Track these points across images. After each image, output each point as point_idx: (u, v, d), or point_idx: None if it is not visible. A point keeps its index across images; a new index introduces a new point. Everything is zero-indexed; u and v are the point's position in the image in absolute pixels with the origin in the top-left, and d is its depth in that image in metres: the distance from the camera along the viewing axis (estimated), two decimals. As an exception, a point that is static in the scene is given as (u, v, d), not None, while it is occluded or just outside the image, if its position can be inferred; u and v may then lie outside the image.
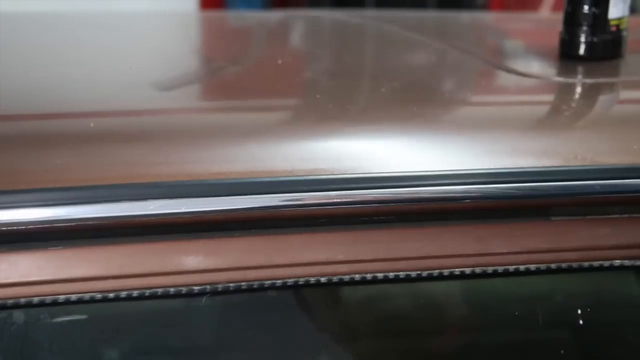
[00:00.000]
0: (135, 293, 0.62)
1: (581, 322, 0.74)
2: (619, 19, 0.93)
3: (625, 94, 0.90)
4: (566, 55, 0.95)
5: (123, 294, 0.61)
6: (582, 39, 0.93)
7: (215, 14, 2.30)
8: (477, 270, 0.67)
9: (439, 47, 1.14)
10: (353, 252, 0.65)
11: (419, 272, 0.66)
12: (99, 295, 0.61)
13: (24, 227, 0.59)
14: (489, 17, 2.25)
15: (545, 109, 0.82)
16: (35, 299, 0.61)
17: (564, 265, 0.68)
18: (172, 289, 0.62)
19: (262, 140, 0.66)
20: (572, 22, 0.93)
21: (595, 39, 0.92)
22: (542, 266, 0.68)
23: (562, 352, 0.76)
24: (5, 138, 0.64)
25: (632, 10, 0.95)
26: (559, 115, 0.79)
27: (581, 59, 0.94)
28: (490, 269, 0.67)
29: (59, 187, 0.59)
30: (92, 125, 0.67)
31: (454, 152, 0.67)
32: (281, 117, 0.79)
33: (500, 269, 0.67)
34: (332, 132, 0.70)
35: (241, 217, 0.61)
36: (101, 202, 0.59)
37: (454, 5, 3.46)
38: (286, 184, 0.62)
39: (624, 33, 0.94)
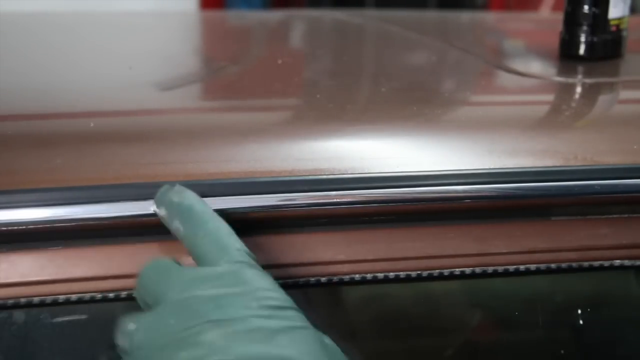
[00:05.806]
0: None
1: (581, 321, 0.74)
2: (619, 19, 0.93)
3: (625, 94, 0.90)
4: (566, 55, 0.95)
5: (123, 294, 0.61)
6: (582, 39, 0.93)
7: (215, 14, 2.30)
8: (477, 270, 0.67)
9: (439, 47, 1.14)
10: (354, 252, 0.65)
11: (419, 272, 0.66)
12: (99, 295, 0.61)
13: (24, 227, 0.59)
14: (489, 17, 2.25)
15: (545, 109, 0.82)
16: (36, 299, 0.61)
17: (564, 265, 0.68)
18: (172, 289, 0.62)
19: (262, 140, 0.66)
20: (572, 22, 0.93)
21: (595, 39, 0.93)
22: (542, 266, 0.68)
23: (562, 352, 0.76)
24: (5, 138, 0.64)
25: (632, 10, 0.96)
26: (559, 115, 0.79)
27: (581, 59, 0.94)
28: (490, 269, 0.67)
29: (59, 187, 0.59)
30: (92, 125, 0.67)
31: (454, 152, 0.67)
32: (281, 117, 0.79)
33: (500, 269, 0.67)
34: (332, 132, 0.70)
35: (241, 217, 0.61)
36: (101, 202, 0.59)
37: (454, 5, 3.47)
38: (286, 184, 0.62)
39: (624, 33, 0.94)
